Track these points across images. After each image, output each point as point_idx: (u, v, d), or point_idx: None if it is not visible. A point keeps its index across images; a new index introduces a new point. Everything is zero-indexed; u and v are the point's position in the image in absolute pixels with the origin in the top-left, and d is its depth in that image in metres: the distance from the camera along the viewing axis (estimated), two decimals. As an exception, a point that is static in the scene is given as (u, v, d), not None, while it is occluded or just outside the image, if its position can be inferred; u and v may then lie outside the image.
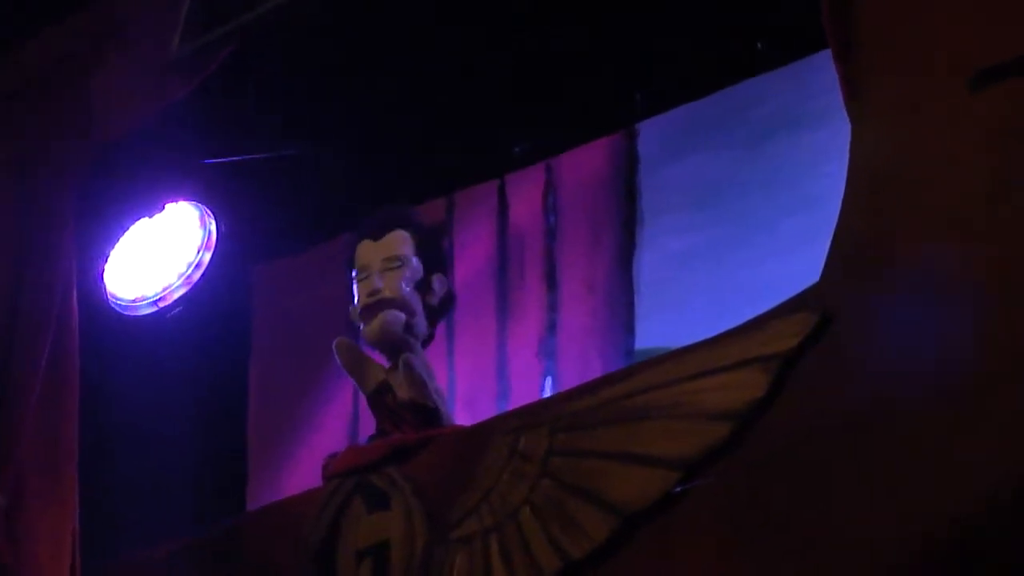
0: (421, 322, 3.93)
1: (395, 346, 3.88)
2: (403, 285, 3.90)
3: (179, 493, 5.10)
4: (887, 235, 3.11)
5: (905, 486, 2.87)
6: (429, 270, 3.96)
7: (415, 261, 3.94)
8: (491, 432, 3.50)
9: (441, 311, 4.01)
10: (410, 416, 3.80)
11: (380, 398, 3.87)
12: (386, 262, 3.91)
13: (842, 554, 2.90)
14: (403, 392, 3.84)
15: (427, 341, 3.98)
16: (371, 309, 3.88)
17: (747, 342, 3.19)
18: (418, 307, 3.92)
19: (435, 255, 4.00)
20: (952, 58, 3.11)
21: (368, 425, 3.99)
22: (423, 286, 3.94)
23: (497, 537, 3.34)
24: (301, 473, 5.36)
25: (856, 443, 2.95)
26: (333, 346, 3.94)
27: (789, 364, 3.10)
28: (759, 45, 4.85)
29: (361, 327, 3.91)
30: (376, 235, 3.95)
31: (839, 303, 3.11)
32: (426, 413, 3.81)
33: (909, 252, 3.07)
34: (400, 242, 3.95)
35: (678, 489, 3.13)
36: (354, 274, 3.97)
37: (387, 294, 3.88)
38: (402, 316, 3.88)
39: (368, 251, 3.95)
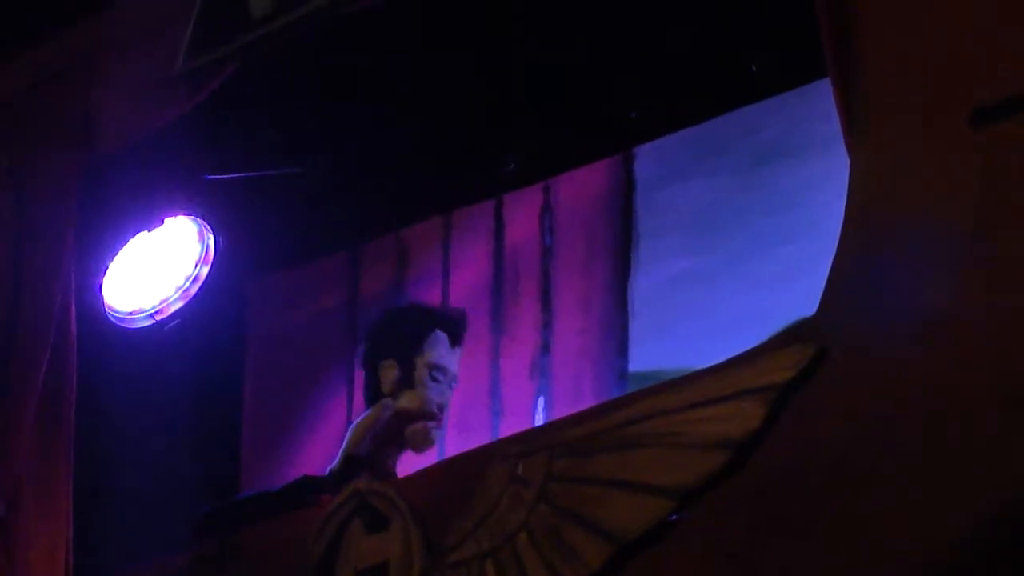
0: None
1: None
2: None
3: (174, 506, 5.10)
4: (881, 271, 3.15)
5: (896, 521, 2.90)
6: None
7: None
8: (490, 457, 3.52)
9: None
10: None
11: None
12: (453, 376, 4.22)
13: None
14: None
15: None
16: (430, 430, 4.15)
17: (743, 373, 3.22)
18: None
19: None
20: (951, 94, 3.14)
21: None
22: None
23: (493, 561, 3.36)
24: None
25: (848, 477, 2.98)
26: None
27: (784, 396, 3.13)
28: (752, 68, 4.87)
29: (405, 428, 4.15)
30: (455, 340, 4.25)
31: (834, 336, 3.15)
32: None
33: (900, 288, 3.10)
34: (459, 359, 4.25)
35: (673, 518, 3.16)
36: (429, 365, 4.21)
37: (440, 416, 4.18)
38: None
39: (449, 356, 4.23)
